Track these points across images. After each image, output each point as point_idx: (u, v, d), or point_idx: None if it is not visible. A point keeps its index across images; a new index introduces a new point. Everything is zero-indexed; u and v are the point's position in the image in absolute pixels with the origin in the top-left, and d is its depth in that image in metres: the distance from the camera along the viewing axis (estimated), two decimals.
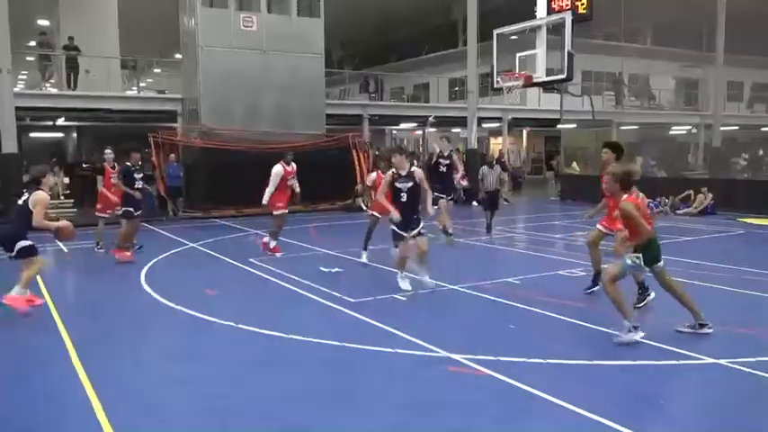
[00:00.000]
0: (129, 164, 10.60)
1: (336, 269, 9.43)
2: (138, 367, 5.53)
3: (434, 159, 11.63)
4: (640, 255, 5.73)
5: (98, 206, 11.47)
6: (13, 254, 7.15)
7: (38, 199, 7.14)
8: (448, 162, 11.38)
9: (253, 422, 4.40)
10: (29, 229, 7.25)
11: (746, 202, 16.28)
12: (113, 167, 11.22)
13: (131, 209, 10.46)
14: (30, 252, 7.17)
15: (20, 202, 7.28)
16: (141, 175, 10.74)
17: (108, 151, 11.53)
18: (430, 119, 13.51)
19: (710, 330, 5.94)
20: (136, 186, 10.50)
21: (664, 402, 4.67)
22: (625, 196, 5.70)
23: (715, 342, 5.93)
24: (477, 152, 21.30)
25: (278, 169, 10.44)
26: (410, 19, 32.37)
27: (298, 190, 10.80)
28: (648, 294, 6.97)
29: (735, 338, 6.09)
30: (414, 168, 8.02)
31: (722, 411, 4.55)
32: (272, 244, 10.59)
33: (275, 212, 10.53)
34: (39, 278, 9.18)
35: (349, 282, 8.75)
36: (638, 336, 5.70)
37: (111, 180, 11.07)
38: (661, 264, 5.88)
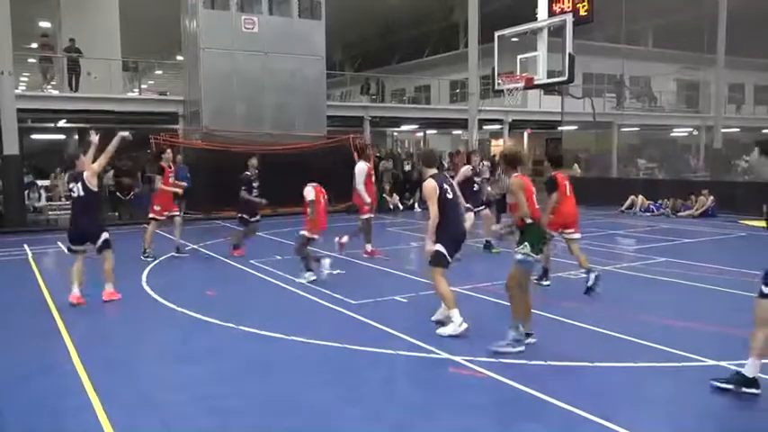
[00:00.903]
0: (248, 173, 10.93)
1: (338, 271, 9.42)
2: (139, 368, 5.53)
3: (468, 175, 11.12)
4: (525, 244, 5.71)
5: (155, 208, 10.83)
6: (97, 245, 7.51)
7: (86, 172, 7.41)
8: (481, 179, 11.22)
9: (253, 422, 4.40)
10: (101, 213, 7.79)
11: (747, 204, 16.24)
12: (170, 167, 11.19)
13: (247, 215, 10.97)
14: (108, 245, 7.58)
15: (76, 194, 7.48)
16: (258, 183, 10.96)
17: (168, 151, 11.62)
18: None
19: (534, 341, 5.75)
20: (254, 195, 10.87)
21: (665, 404, 4.66)
22: (516, 174, 5.91)
23: (716, 344, 5.94)
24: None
25: (361, 166, 10.50)
26: (411, 21, 32.41)
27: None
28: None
29: (736, 340, 6.07)
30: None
31: (723, 413, 4.54)
32: (345, 239, 10.64)
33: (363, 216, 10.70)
34: (39, 278, 9.23)
35: (350, 284, 8.75)
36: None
37: (171, 180, 11.08)
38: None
